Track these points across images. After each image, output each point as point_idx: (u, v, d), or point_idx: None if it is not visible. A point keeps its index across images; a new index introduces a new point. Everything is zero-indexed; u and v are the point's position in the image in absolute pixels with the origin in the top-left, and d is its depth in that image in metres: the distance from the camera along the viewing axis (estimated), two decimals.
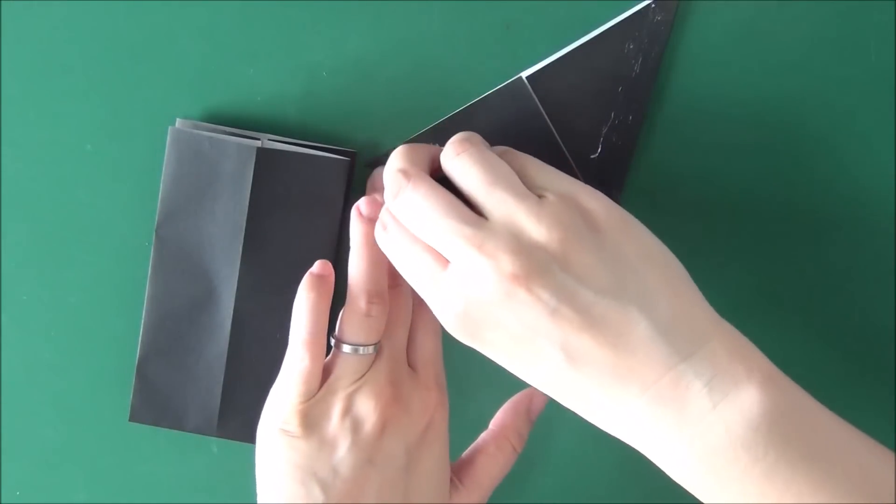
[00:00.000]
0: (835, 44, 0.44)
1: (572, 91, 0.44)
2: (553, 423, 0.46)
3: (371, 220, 0.40)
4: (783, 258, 0.45)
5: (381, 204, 0.41)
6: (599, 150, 0.44)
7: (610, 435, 0.38)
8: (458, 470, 0.42)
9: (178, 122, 0.45)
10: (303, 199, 0.44)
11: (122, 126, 0.46)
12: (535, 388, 0.44)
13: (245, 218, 0.44)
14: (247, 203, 0.44)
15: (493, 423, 0.44)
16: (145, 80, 0.46)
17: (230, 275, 0.44)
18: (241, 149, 0.44)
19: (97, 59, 0.46)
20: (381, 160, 0.45)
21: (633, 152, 0.44)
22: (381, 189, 0.44)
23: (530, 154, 0.44)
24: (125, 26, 0.45)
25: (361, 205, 0.41)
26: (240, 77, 0.45)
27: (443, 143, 0.44)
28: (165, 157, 0.44)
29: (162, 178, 0.44)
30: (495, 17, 0.44)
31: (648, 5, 0.43)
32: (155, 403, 0.46)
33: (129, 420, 0.45)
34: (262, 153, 0.44)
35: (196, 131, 0.44)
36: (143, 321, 0.45)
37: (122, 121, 0.46)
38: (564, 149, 0.44)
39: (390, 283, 0.41)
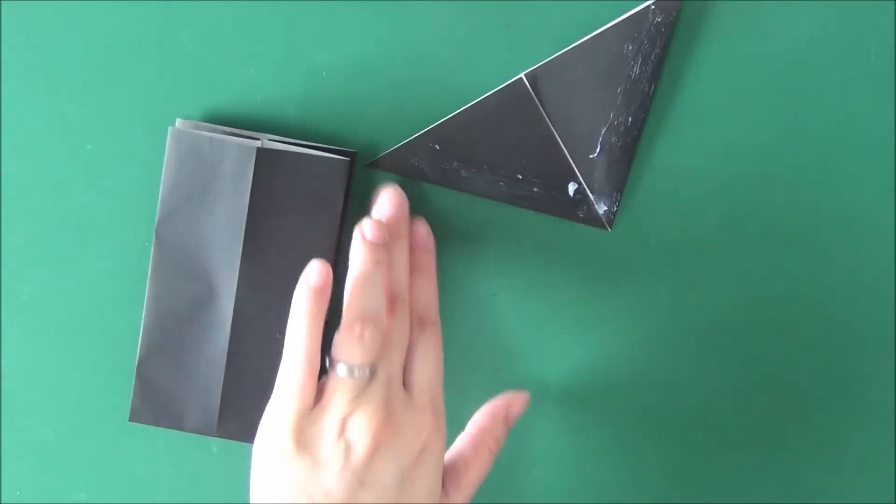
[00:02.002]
0: (835, 44, 0.44)
1: (572, 91, 0.44)
2: (555, 423, 0.46)
3: (373, 244, 0.40)
4: (783, 258, 0.45)
5: (386, 226, 0.41)
6: (598, 150, 0.44)
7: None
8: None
9: (178, 122, 0.45)
10: (303, 199, 0.44)
11: (122, 126, 0.46)
12: (514, 393, 0.44)
13: (245, 218, 0.44)
14: (247, 203, 0.44)
15: (471, 426, 0.44)
16: (145, 80, 0.46)
17: (230, 275, 0.44)
18: (241, 149, 0.44)
19: (97, 59, 0.46)
20: (382, 161, 0.45)
21: (634, 153, 0.44)
22: (387, 207, 0.43)
23: (529, 153, 0.44)
24: (125, 26, 0.45)
25: (366, 228, 0.40)
26: (240, 77, 0.45)
27: (443, 144, 0.45)
28: (165, 158, 0.44)
29: (162, 178, 0.44)
30: (495, 17, 0.44)
31: (649, 6, 0.43)
32: (155, 403, 0.46)
33: (129, 420, 0.45)
34: (261, 153, 0.44)
35: (196, 131, 0.44)
36: (143, 321, 0.45)
37: (122, 121, 0.46)
38: (564, 149, 0.44)
39: (388, 305, 0.41)
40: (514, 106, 0.44)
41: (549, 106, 0.44)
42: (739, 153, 0.45)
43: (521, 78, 0.44)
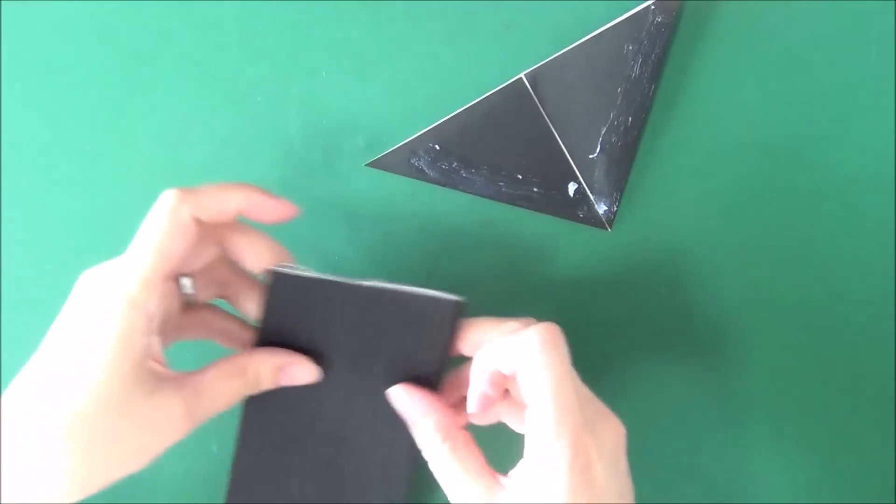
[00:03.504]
0: (835, 44, 0.44)
1: (572, 91, 0.44)
2: None
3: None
4: (782, 258, 0.45)
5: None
6: (598, 150, 0.44)
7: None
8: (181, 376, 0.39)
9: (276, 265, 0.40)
10: (410, 339, 0.40)
11: (122, 126, 0.46)
12: (304, 361, 0.40)
13: (352, 357, 0.40)
14: (354, 342, 0.40)
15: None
16: (145, 80, 0.46)
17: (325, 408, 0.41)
18: (347, 288, 0.39)
19: (97, 59, 0.46)
20: (382, 160, 0.45)
21: (634, 153, 0.44)
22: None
23: (529, 153, 0.44)
24: (125, 26, 0.45)
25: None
26: (240, 77, 0.45)
27: (443, 144, 0.45)
28: (266, 297, 0.40)
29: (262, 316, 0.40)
30: (495, 17, 0.44)
31: (649, 6, 0.43)
32: None
33: None
34: (365, 291, 0.40)
35: (294, 273, 0.39)
36: (233, 460, 0.42)
37: (121, 121, 0.46)
38: (564, 149, 0.44)
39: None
40: (514, 106, 0.44)
41: (549, 106, 0.44)
42: (739, 153, 0.45)
43: (521, 78, 0.44)
